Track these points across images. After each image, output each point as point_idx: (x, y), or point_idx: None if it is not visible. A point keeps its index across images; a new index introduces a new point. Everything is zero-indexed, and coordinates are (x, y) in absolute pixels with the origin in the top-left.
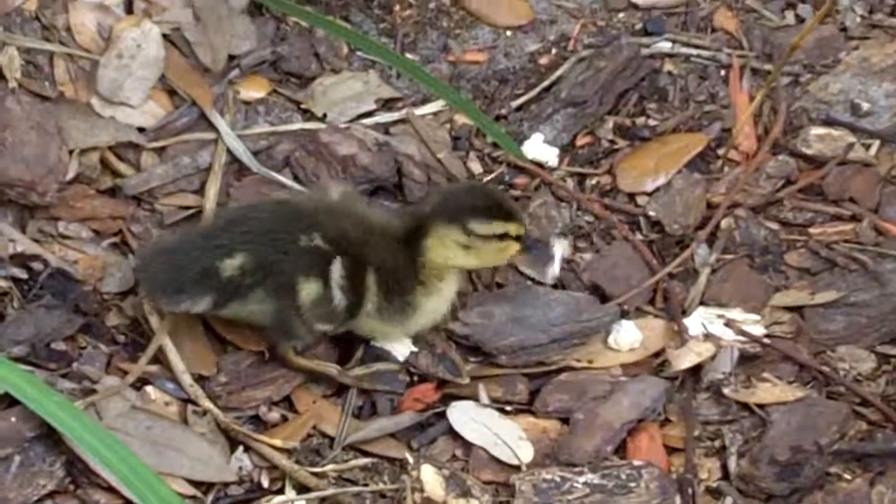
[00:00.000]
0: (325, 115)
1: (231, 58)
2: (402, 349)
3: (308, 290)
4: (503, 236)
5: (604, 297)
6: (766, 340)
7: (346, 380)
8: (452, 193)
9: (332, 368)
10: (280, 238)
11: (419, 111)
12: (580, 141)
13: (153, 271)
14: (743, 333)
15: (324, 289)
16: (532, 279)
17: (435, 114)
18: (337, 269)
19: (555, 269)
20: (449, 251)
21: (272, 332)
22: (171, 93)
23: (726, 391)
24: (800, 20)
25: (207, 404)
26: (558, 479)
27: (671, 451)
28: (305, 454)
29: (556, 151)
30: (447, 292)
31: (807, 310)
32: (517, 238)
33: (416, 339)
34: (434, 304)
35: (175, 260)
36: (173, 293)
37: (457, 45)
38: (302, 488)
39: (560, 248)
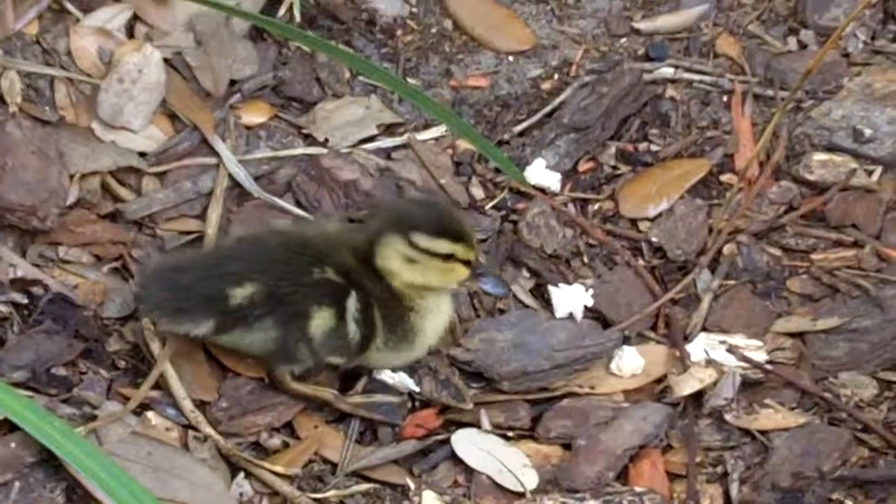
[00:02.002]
0: (326, 140)
1: (232, 82)
2: (403, 385)
3: (320, 319)
4: (448, 257)
5: (606, 323)
6: (768, 366)
7: (344, 406)
8: (406, 205)
9: (328, 393)
10: (291, 269)
11: (421, 136)
12: (582, 166)
13: (155, 290)
14: (745, 359)
15: (338, 321)
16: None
17: (437, 139)
18: (353, 303)
19: (577, 316)
20: (395, 262)
21: (271, 356)
22: (173, 117)
23: (728, 417)
24: (802, 46)
25: (208, 430)
26: None
27: (673, 477)
28: (307, 480)
29: (558, 177)
30: (442, 308)
31: (809, 336)
32: (466, 263)
33: (419, 367)
34: (433, 323)
35: (180, 280)
36: (175, 313)
37: (459, 70)
38: None
39: (581, 295)
